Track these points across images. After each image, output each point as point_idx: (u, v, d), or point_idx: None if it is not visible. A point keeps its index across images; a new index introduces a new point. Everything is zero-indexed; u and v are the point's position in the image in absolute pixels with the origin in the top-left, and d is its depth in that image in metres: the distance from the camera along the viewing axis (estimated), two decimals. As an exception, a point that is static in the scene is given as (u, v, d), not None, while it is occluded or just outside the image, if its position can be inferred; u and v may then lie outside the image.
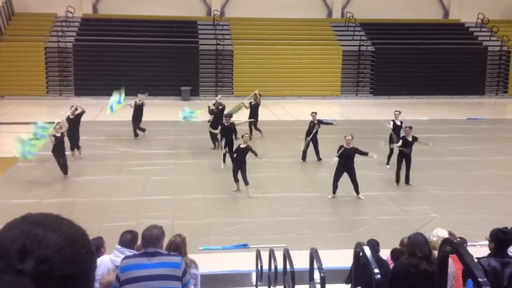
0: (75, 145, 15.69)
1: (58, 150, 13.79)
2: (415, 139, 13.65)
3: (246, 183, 12.70)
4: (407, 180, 13.65)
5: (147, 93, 19.48)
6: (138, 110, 18.14)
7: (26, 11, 29.46)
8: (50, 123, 14.67)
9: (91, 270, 1.10)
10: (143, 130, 18.44)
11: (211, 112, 17.26)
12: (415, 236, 5.02)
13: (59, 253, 1.02)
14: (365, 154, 12.65)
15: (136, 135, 18.32)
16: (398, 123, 15.45)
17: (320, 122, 15.91)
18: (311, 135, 15.57)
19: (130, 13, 29.63)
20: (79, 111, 15.92)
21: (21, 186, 13.13)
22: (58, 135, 13.82)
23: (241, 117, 17.59)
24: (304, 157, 15.90)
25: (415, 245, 4.87)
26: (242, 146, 12.90)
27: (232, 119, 15.58)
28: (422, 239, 4.93)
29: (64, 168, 13.92)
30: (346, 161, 12.43)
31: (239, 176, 12.83)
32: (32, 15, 29.31)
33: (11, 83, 27.20)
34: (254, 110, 18.52)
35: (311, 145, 15.75)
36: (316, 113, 16.01)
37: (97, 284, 5.19)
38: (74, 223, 1.12)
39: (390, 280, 5.01)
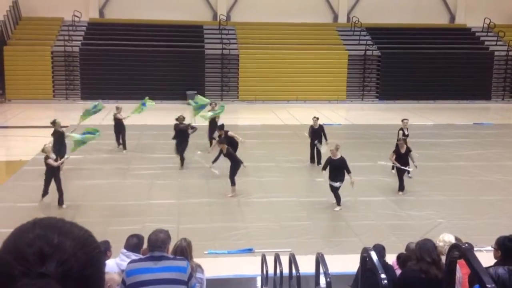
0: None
1: (52, 173, 12.00)
2: (409, 150, 13.26)
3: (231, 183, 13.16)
4: (400, 188, 13.32)
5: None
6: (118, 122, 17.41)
7: (33, 15, 29.64)
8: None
9: (104, 269, 1.15)
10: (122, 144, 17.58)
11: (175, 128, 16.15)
12: (424, 242, 5.01)
13: (75, 255, 1.05)
14: (349, 172, 11.88)
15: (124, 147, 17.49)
16: (406, 132, 15.21)
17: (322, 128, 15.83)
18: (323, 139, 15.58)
19: (136, 17, 29.74)
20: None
21: (27, 190, 13.14)
22: (53, 156, 12.07)
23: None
24: (312, 160, 15.91)
25: (424, 251, 4.87)
26: (224, 152, 13.36)
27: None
28: (431, 244, 4.92)
29: (60, 196, 12.07)
30: (335, 172, 11.97)
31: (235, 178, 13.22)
32: (39, 19, 29.47)
33: (18, 87, 27.34)
34: (212, 120, 17.30)
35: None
36: (318, 118, 16.01)
37: None
38: (81, 226, 1.14)
39: (399, 285, 4.99)
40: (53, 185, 11.95)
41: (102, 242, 6.36)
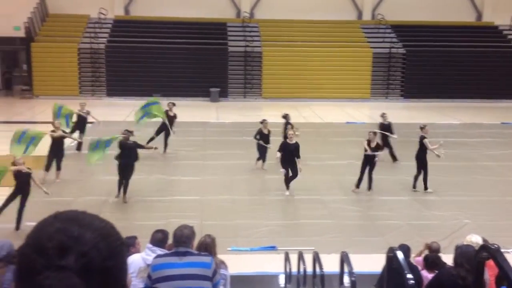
0: (57, 165, 13.69)
1: (22, 191, 10.57)
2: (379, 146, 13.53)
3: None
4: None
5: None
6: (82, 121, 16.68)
7: (60, 13, 30.05)
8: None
9: (126, 260, 1.15)
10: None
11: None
12: (466, 247, 4.91)
13: (96, 247, 1.06)
14: (298, 157, 12.73)
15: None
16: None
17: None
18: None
19: (160, 14, 29.94)
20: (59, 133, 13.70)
21: (54, 184, 13.34)
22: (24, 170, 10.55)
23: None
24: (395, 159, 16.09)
25: (464, 257, 4.76)
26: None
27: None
28: (473, 251, 4.80)
29: (18, 221, 10.47)
30: (288, 156, 12.74)
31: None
32: (65, 16, 29.88)
33: (45, 83, 27.77)
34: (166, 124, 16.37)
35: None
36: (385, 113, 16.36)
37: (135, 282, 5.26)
38: (102, 218, 1.15)
39: (433, 285, 4.92)
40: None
41: (129, 237, 6.45)
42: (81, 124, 16.74)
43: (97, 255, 1.05)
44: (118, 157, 12.43)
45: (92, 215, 1.13)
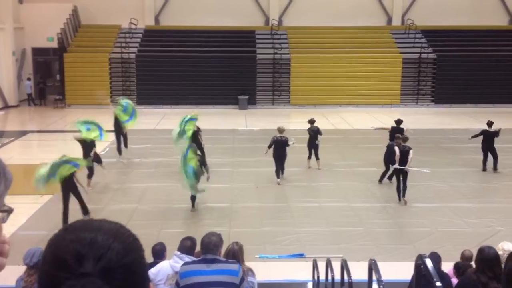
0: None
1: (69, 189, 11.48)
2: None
3: None
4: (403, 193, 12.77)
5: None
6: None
7: (91, 23, 30.68)
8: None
9: (143, 255, 1.17)
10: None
11: None
12: (487, 252, 4.76)
13: (110, 248, 1.09)
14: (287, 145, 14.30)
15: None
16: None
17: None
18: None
19: (190, 24, 30.27)
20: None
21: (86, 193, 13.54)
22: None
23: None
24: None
25: (485, 263, 4.65)
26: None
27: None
28: (494, 256, 4.66)
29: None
30: (279, 149, 14.21)
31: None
32: (97, 27, 30.49)
33: (77, 93, 28.34)
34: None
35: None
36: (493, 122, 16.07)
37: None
38: (111, 220, 1.18)
39: None
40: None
41: (157, 244, 6.53)
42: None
43: (113, 255, 1.08)
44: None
45: (100, 220, 1.16)
